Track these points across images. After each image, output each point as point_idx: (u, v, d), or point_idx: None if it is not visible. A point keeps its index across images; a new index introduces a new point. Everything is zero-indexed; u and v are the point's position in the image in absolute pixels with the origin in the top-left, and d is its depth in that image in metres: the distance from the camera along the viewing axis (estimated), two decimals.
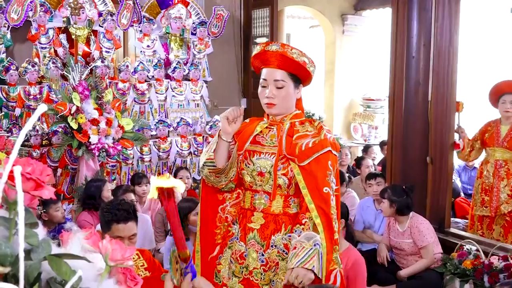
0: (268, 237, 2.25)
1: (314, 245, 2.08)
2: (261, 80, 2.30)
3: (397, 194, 4.05)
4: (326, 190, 2.18)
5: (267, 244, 2.25)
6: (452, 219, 4.85)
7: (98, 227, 3.60)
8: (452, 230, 4.50)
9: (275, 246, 2.24)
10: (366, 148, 6.91)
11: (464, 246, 3.96)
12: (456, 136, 4.53)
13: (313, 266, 2.05)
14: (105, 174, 5.06)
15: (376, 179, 4.60)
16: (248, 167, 2.30)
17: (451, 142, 4.48)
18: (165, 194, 1.38)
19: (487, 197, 4.49)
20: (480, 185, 4.58)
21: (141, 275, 2.61)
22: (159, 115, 5.80)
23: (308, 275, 2.05)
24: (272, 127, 2.34)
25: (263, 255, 2.25)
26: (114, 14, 5.42)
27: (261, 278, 2.25)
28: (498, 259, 3.64)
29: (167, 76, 5.90)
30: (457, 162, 5.98)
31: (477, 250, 3.83)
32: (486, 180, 4.51)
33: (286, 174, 2.23)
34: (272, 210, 2.26)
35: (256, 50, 2.32)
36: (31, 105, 5.00)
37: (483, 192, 4.53)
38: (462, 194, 6.09)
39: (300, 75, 2.28)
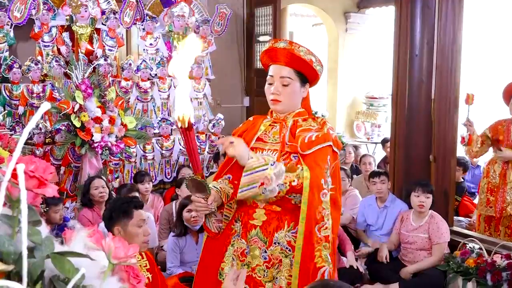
0: (271, 234, 2.25)
1: (271, 161, 2.11)
2: (268, 77, 2.31)
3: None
4: (322, 181, 2.17)
5: (270, 241, 2.25)
6: (454, 217, 4.84)
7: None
8: (455, 228, 4.49)
9: (278, 243, 2.24)
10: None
11: (467, 245, 3.96)
12: (464, 129, 4.49)
13: (252, 157, 2.10)
14: (108, 172, 5.07)
15: (380, 177, 4.59)
16: None
17: (455, 140, 4.47)
18: (186, 125, 1.98)
19: (492, 197, 4.47)
20: (486, 185, 4.55)
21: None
22: (162, 113, 5.80)
23: (245, 150, 2.11)
24: (275, 124, 2.35)
25: (266, 252, 2.25)
26: (117, 12, 5.42)
27: (264, 275, 2.25)
28: (501, 257, 3.64)
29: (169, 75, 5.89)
30: (467, 160, 5.96)
31: (480, 248, 3.83)
32: (492, 180, 4.49)
33: None
34: (274, 206, 2.26)
35: (265, 47, 2.35)
36: (34, 103, 5.01)
37: (488, 192, 4.51)
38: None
39: (306, 73, 2.29)
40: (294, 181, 2.12)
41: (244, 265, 2.29)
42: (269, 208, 2.27)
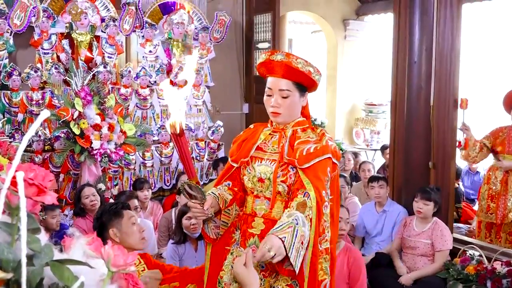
0: None
1: (292, 220, 2.03)
2: (266, 89, 2.29)
3: (438, 195, 4.19)
4: (323, 193, 2.17)
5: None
6: (454, 224, 4.84)
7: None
8: (455, 235, 4.48)
9: None
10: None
11: (467, 252, 3.95)
12: (460, 133, 4.49)
13: (284, 237, 1.96)
14: (107, 180, 5.07)
15: (379, 182, 4.60)
16: (250, 173, 2.30)
17: (454, 146, 4.47)
18: (177, 132, 2.00)
19: (493, 204, 4.47)
20: (486, 191, 4.55)
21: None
22: (161, 120, 5.80)
23: (279, 244, 1.94)
24: (275, 134, 2.35)
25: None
26: (116, 19, 5.43)
27: (262, 284, 2.24)
28: (501, 264, 3.63)
29: (169, 82, 5.89)
30: (460, 166, 5.96)
31: (480, 255, 3.82)
32: (493, 186, 4.49)
33: (285, 181, 2.22)
34: (273, 215, 2.25)
35: (261, 58, 2.32)
36: (33, 110, 5.01)
37: (489, 198, 4.51)
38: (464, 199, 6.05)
39: (305, 83, 2.28)
40: (309, 214, 2.10)
41: None
42: (267, 217, 2.26)
